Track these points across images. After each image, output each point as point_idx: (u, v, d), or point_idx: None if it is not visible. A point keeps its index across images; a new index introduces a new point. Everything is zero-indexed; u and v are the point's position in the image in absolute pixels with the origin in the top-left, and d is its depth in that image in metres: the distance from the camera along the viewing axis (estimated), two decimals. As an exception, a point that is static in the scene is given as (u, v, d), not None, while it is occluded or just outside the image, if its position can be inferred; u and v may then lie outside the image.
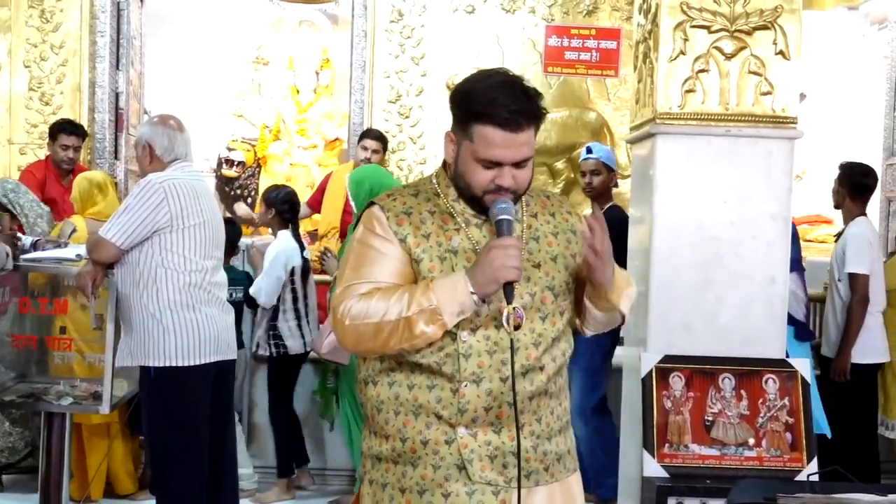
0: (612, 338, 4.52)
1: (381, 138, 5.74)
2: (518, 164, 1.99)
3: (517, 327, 1.94)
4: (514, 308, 1.93)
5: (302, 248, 4.91)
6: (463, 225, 2.05)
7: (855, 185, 4.78)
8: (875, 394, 4.72)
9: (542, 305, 2.03)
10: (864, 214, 4.84)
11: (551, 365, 2.06)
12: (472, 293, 1.92)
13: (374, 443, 2.10)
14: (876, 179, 4.93)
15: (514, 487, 2.00)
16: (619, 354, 4.39)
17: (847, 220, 4.83)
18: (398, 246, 2.03)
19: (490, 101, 1.96)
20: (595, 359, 4.58)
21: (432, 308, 1.93)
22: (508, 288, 1.92)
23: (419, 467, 2.03)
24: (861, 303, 4.58)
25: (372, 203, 2.10)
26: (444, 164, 2.15)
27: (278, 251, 4.82)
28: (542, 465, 2.07)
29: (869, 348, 4.60)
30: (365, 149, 5.63)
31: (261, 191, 8.76)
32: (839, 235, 4.89)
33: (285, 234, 4.91)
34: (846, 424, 4.58)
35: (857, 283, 4.59)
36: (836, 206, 4.93)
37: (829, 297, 4.86)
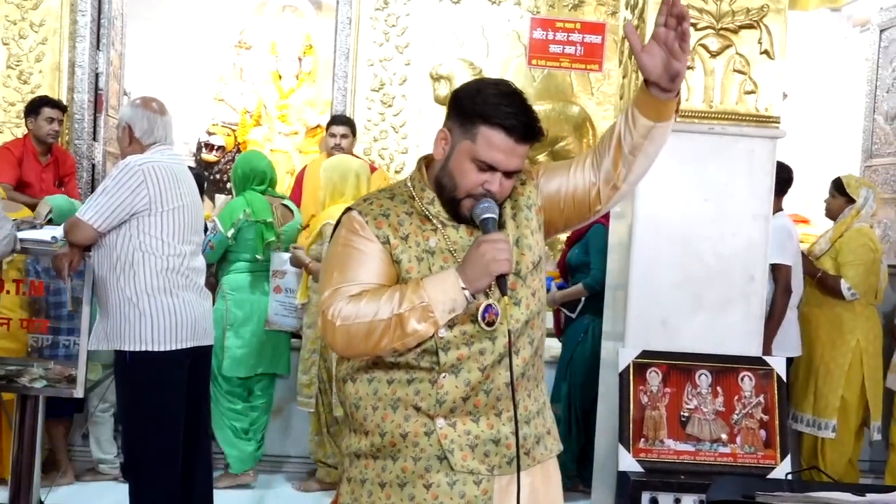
0: None
1: (348, 123, 5.63)
2: (508, 175, 2.02)
3: (490, 324, 1.98)
4: (489, 304, 1.97)
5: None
6: (439, 226, 2.06)
7: (778, 181, 4.86)
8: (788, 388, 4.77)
9: (511, 292, 2.04)
10: (782, 209, 4.90)
11: (527, 349, 2.08)
12: (464, 289, 1.93)
13: (353, 440, 2.11)
14: (793, 176, 4.97)
15: (496, 475, 2.02)
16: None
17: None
18: (381, 247, 2.03)
19: (504, 106, 1.99)
20: None
21: (424, 305, 1.92)
22: (502, 280, 1.92)
23: (399, 460, 2.04)
24: (785, 293, 4.65)
25: (350, 209, 2.11)
26: (420, 166, 2.15)
27: None
28: (523, 450, 2.07)
29: (784, 342, 4.63)
30: (333, 135, 5.52)
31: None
32: None
33: None
34: None
35: (780, 274, 4.65)
36: None
37: None
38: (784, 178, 4.85)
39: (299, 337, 4.86)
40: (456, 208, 2.04)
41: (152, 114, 3.53)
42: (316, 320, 4.66)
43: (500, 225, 2.07)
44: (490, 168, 1.99)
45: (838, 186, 4.91)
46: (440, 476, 2.01)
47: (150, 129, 3.51)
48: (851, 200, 4.86)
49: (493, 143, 1.98)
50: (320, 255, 4.52)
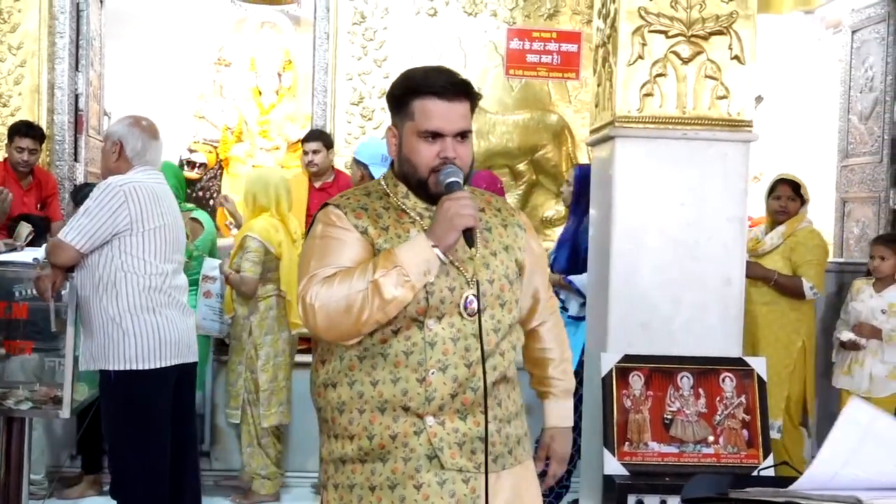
0: None
1: (320, 138, 5.72)
2: (459, 138, 2.05)
3: (472, 314, 2.02)
4: (466, 297, 2.02)
5: None
6: (417, 218, 2.10)
7: None
8: None
9: (500, 293, 2.10)
10: None
11: (510, 352, 2.15)
12: (434, 247, 1.96)
13: (336, 446, 2.11)
14: None
15: (482, 473, 2.04)
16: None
17: None
18: (360, 236, 2.06)
19: (426, 75, 2.08)
20: None
21: (397, 268, 1.94)
22: (468, 234, 1.96)
23: (389, 462, 2.04)
24: None
25: (326, 204, 2.15)
26: (389, 167, 2.21)
27: None
28: (507, 449, 2.13)
29: None
30: (305, 152, 5.63)
31: (223, 193, 8.74)
32: None
33: None
34: None
35: None
36: None
37: None
38: None
39: (225, 344, 4.93)
40: (426, 190, 2.07)
41: (147, 136, 3.56)
42: (241, 333, 4.72)
43: (489, 230, 2.13)
44: (437, 135, 2.03)
45: (796, 188, 4.94)
46: (430, 476, 2.03)
47: (142, 150, 3.54)
48: (804, 201, 4.92)
49: (429, 110, 2.04)
50: (239, 267, 4.63)
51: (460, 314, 2.03)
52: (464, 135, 2.06)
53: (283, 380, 4.82)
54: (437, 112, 2.03)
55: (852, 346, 4.76)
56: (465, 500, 2.04)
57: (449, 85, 2.04)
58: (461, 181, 2.01)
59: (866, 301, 4.82)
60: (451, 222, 1.94)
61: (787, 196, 4.92)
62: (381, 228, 2.06)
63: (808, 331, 4.88)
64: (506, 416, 2.14)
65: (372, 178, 4.59)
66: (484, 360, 2.01)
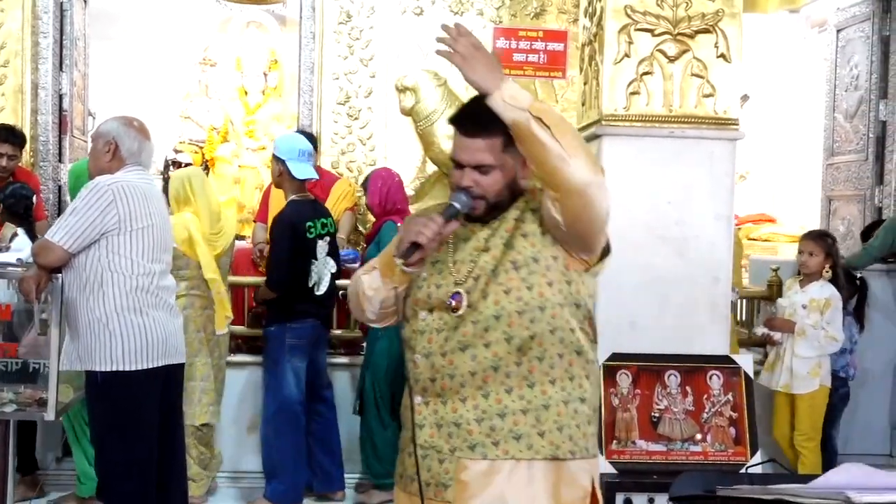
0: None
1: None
2: (480, 171, 2.17)
3: (455, 310, 2.18)
4: (456, 292, 2.18)
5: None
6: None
7: None
8: None
9: (485, 287, 2.18)
10: None
11: (503, 344, 2.16)
12: (394, 255, 2.20)
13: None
14: None
15: (457, 457, 2.17)
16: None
17: None
18: None
19: (460, 108, 2.28)
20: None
21: (374, 267, 2.34)
22: (409, 249, 2.14)
23: (404, 430, 2.30)
24: None
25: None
26: None
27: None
28: (491, 440, 2.16)
29: None
30: None
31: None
32: None
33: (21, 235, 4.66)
34: None
35: None
36: None
37: None
38: None
39: None
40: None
41: (142, 137, 3.55)
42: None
43: (484, 219, 2.22)
44: (458, 165, 2.20)
45: None
46: (416, 448, 2.21)
47: (138, 151, 3.53)
48: None
49: (454, 141, 2.23)
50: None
51: (447, 309, 2.20)
52: (482, 168, 2.18)
53: (207, 380, 4.76)
54: (456, 144, 2.22)
55: (767, 341, 4.73)
56: (438, 477, 2.19)
57: (466, 120, 2.20)
58: (456, 205, 2.17)
59: (791, 296, 4.78)
60: (404, 233, 2.18)
61: None
62: None
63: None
64: (497, 409, 2.16)
65: (289, 172, 4.59)
66: (454, 350, 2.17)
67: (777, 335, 4.68)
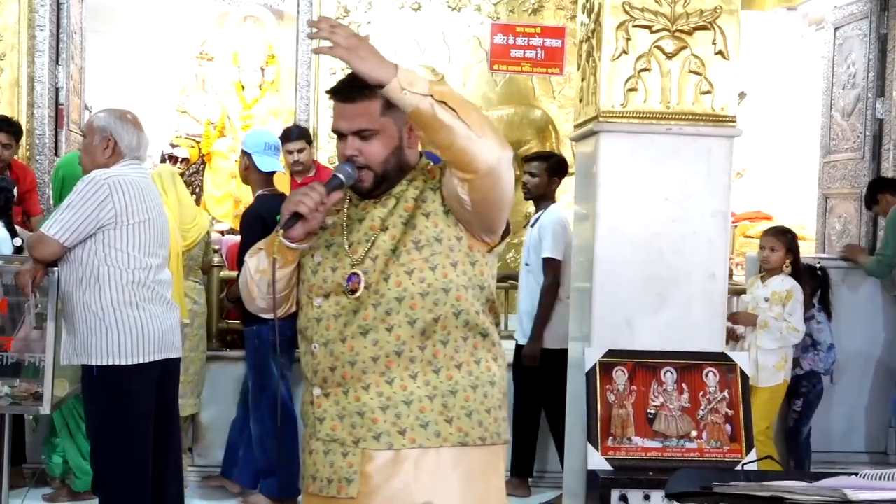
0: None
1: (301, 136, 5.46)
2: (362, 136, 2.11)
3: (353, 291, 2.10)
4: (353, 273, 2.10)
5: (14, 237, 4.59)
6: (347, 203, 2.21)
7: (553, 168, 4.99)
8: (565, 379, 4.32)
9: (385, 268, 2.09)
10: (556, 200, 5.06)
11: (405, 328, 2.08)
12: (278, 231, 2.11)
13: None
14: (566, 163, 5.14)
15: (361, 449, 2.09)
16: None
17: (543, 207, 4.99)
18: None
19: (338, 81, 2.21)
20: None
21: (259, 248, 2.20)
22: (290, 220, 2.06)
23: (306, 426, 2.22)
24: (553, 287, 4.79)
25: None
26: None
27: None
28: (397, 429, 2.08)
29: (561, 335, 4.44)
30: (289, 152, 5.33)
31: (205, 187, 8.69)
32: (535, 222, 5.00)
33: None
34: (534, 408, 4.95)
35: (551, 269, 4.79)
36: (531, 197, 5.05)
37: (521, 285, 5.06)
38: (563, 172, 5.03)
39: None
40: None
41: (139, 132, 3.55)
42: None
43: (375, 194, 2.16)
44: (340, 134, 2.14)
45: None
46: (318, 444, 2.15)
47: (136, 145, 3.53)
48: None
49: (333, 112, 2.17)
50: None
51: (344, 292, 2.11)
52: (362, 133, 2.11)
53: (198, 373, 4.77)
54: (335, 113, 2.16)
55: (730, 336, 4.71)
56: (342, 471, 2.10)
57: (342, 87, 2.13)
58: (341, 176, 2.09)
59: (753, 292, 4.85)
60: (287, 204, 2.08)
61: None
62: (335, 211, 2.23)
63: None
64: (403, 396, 2.08)
65: (255, 166, 4.60)
66: (355, 335, 2.09)
67: (740, 329, 4.74)
